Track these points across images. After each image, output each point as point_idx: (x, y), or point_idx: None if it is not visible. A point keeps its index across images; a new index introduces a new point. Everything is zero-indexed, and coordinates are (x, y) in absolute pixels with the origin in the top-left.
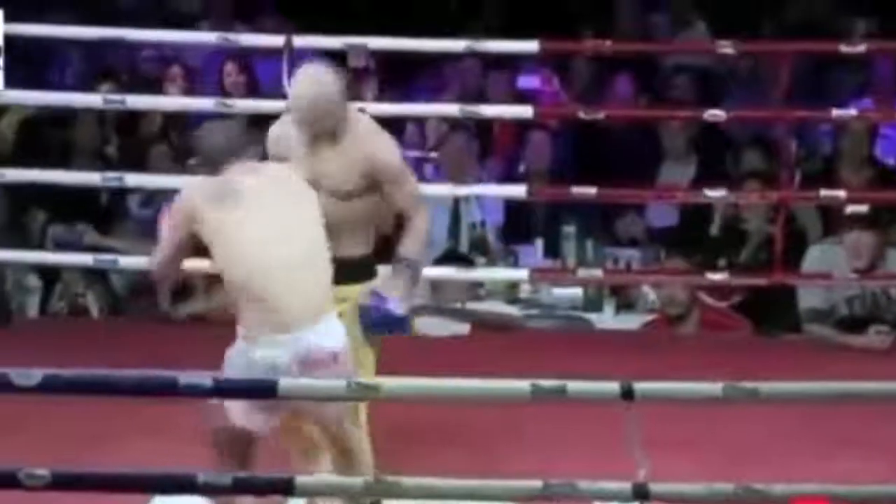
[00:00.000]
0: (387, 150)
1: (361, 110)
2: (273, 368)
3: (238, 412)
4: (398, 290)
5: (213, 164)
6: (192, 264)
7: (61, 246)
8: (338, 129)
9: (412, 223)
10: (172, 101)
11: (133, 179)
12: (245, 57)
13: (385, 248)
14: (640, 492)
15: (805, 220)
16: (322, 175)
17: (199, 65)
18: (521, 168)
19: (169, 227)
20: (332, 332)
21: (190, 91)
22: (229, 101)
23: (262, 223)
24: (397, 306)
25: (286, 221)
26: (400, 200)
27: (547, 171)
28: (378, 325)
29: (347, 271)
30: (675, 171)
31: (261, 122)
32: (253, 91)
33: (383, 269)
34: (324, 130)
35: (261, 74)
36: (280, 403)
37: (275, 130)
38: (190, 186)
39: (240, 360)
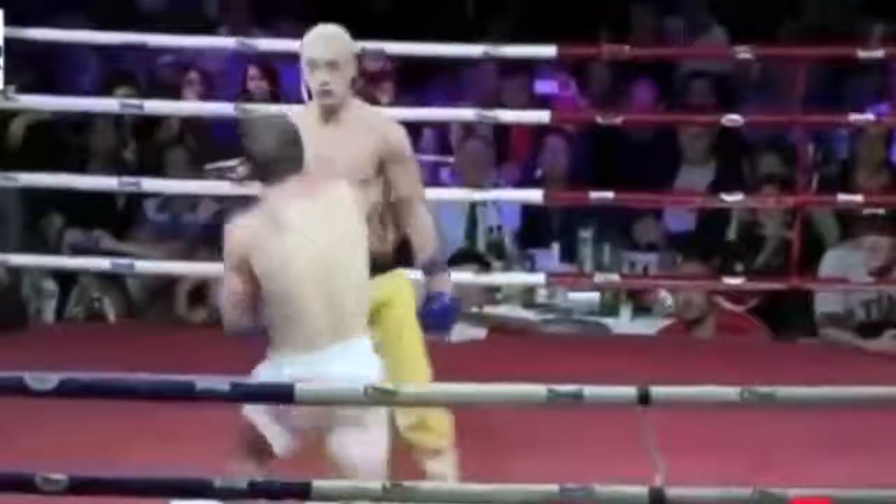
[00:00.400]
0: (397, 130)
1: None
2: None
3: (264, 423)
4: (442, 286)
5: (263, 172)
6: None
7: (77, 251)
8: (344, 97)
9: (419, 221)
10: (190, 106)
11: (150, 184)
12: (268, 62)
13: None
14: (657, 496)
15: (822, 224)
16: (333, 157)
17: (216, 69)
18: (538, 173)
19: (227, 276)
20: (361, 357)
21: (208, 96)
22: (248, 107)
23: (308, 247)
24: (452, 299)
25: (331, 246)
26: (404, 184)
27: (563, 175)
28: (443, 323)
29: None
30: (694, 175)
31: None
32: (275, 97)
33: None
34: (340, 90)
35: (285, 81)
36: (305, 433)
37: None
38: (235, 225)
39: (267, 375)
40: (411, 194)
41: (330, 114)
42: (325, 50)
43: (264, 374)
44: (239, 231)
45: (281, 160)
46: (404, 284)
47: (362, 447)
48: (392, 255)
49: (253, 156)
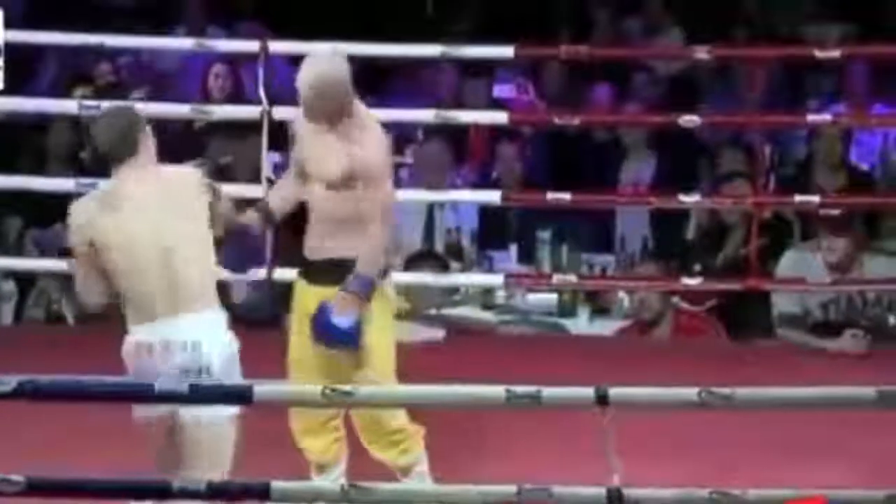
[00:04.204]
0: (372, 149)
1: None
2: (148, 349)
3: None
4: (345, 304)
5: (105, 161)
6: None
7: (41, 247)
8: (340, 113)
9: (368, 233)
10: (146, 108)
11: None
12: (231, 62)
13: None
14: (614, 497)
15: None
16: (313, 158)
17: (171, 68)
18: (496, 174)
19: (74, 253)
20: (204, 328)
21: (160, 97)
22: (206, 108)
23: (142, 223)
24: (341, 320)
25: (167, 222)
26: (366, 202)
27: (519, 179)
28: (323, 337)
29: (346, 272)
30: (634, 168)
31: (242, 129)
32: (237, 97)
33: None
34: (323, 112)
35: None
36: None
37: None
38: (76, 204)
39: (127, 354)
40: (370, 214)
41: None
42: (319, 86)
43: (125, 349)
44: (77, 210)
45: (113, 149)
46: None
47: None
48: (348, 268)
49: (94, 146)
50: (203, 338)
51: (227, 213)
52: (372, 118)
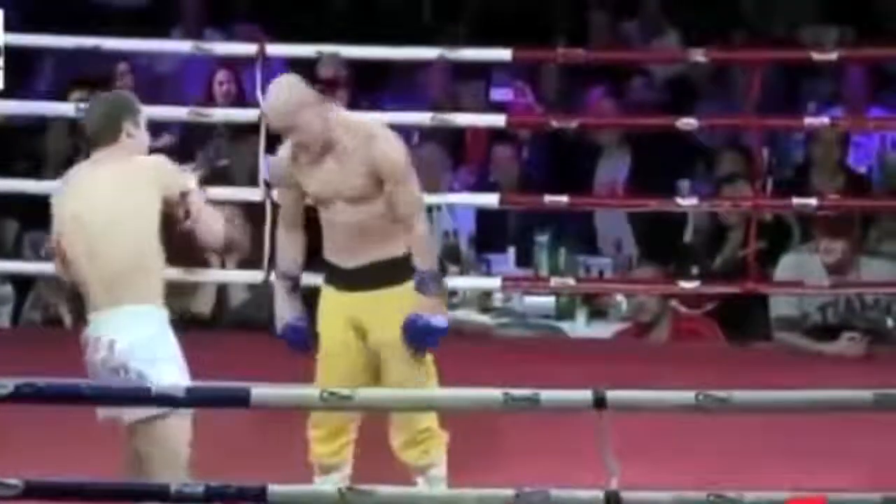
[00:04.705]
0: (390, 149)
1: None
2: (86, 344)
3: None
4: (433, 306)
5: (87, 139)
6: None
7: (38, 250)
8: (325, 136)
9: (413, 233)
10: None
11: None
12: (232, 65)
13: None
14: (612, 500)
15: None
16: (330, 184)
17: (169, 71)
18: (493, 177)
19: None
20: (126, 323)
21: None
22: (204, 111)
23: (82, 212)
24: (439, 321)
25: (106, 213)
26: (401, 204)
27: (515, 182)
28: (427, 342)
29: (388, 273)
30: (609, 167)
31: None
32: (241, 101)
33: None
34: (308, 139)
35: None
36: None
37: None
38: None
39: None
40: (408, 214)
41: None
42: (278, 122)
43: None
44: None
45: (94, 133)
46: (386, 303)
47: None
48: (387, 268)
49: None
50: (119, 335)
51: (202, 214)
52: (375, 123)
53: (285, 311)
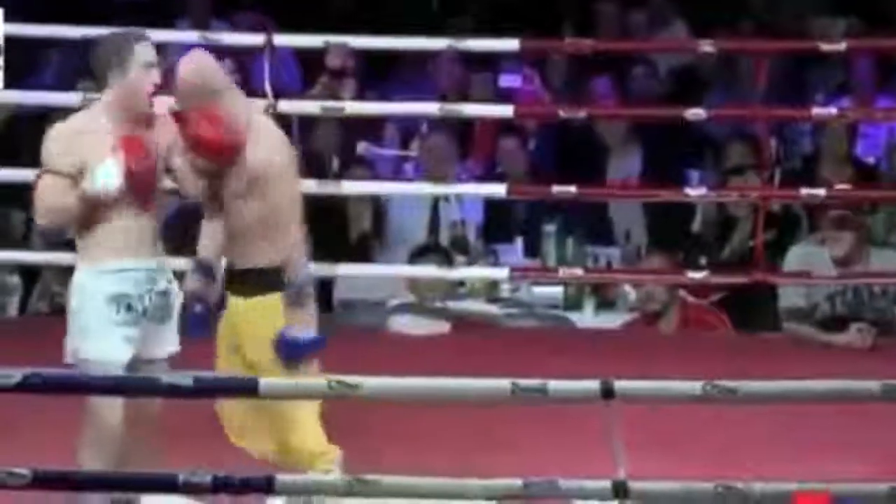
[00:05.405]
0: (264, 151)
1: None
2: None
3: None
4: (293, 318)
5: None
6: None
7: (46, 240)
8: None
9: (289, 241)
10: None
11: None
12: (240, 54)
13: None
14: (620, 490)
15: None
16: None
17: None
18: (501, 167)
19: None
20: None
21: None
22: None
23: None
24: (300, 330)
25: None
26: (272, 204)
27: (523, 173)
28: (293, 354)
29: (249, 283)
30: (621, 163)
31: None
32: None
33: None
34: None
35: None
36: None
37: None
38: None
39: None
40: (281, 216)
41: None
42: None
43: None
44: None
45: (115, 63)
46: (248, 316)
47: None
48: (255, 276)
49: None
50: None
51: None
52: (265, 124)
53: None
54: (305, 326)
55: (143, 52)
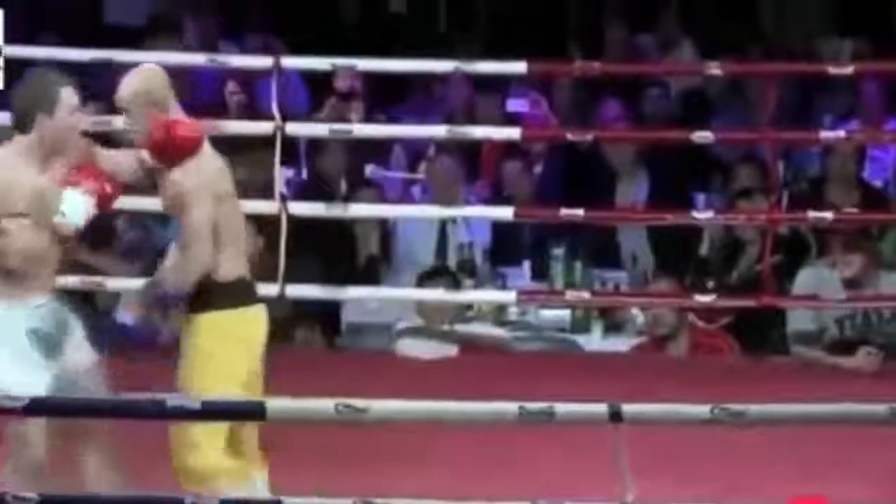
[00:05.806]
0: (180, 173)
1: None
2: None
3: None
4: (134, 303)
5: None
6: None
7: None
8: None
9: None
10: None
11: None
12: (246, 75)
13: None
14: None
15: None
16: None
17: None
18: (508, 190)
19: None
20: None
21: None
22: (219, 123)
23: None
24: (124, 316)
25: None
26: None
27: (528, 196)
28: (112, 336)
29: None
30: (628, 188)
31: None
32: (253, 111)
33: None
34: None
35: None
36: None
37: None
38: None
39: None
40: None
41: None
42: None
43: None
44: None
45: (37, 106)
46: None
47: None
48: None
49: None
50: None
51: None
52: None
53: None
54: (142, 316)
55: (70, 96)
